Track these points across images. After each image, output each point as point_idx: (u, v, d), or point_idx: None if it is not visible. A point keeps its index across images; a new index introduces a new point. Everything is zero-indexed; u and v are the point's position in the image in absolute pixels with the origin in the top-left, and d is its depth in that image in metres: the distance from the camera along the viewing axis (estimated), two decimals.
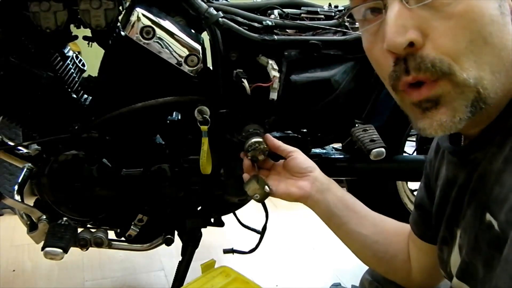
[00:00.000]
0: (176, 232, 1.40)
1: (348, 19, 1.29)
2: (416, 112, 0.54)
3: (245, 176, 1.02)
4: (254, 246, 1.37)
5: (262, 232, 1.36)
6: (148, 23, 1.15)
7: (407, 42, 0.49)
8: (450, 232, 0.65)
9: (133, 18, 1.15)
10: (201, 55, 1.19)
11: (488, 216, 0.50)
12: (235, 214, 1.45)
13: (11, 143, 1.37)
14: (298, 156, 0.96)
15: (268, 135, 1.10)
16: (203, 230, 1.39)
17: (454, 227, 0.64)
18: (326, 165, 1.41)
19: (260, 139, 1.06)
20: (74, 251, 1.30)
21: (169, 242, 1.37)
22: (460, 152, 0.59)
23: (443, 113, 0.51)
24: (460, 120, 0.51)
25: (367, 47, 0.57)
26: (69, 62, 1.35)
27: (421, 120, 0.53)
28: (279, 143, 1.01)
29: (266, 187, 0.97)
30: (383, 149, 1.27)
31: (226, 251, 1.39)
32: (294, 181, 0.95)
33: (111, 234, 1.38)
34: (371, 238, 0.89)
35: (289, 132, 1.38)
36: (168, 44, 1.17)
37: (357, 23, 0.92)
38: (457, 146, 0.60)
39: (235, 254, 1.40)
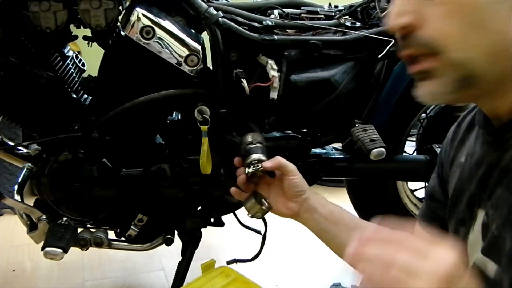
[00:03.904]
0: (176, 232, 1.40)
1: None
2: (415, 82, 0.61)
3: (234, 190, 1.01)
4: (256, 253, 1.38)
5: (262, 241, 1.36)
6: (148, 23, 1.15)
7: (398, 26, 0.58)
8: (470, 212, 0.67)
9: (133, 18, 1.15)
10: (201, 55, 1.19)
11: None
12: (235, 214, 1.45)
13: (11, 143, 1.37)
14: (295, 178, 0.96)
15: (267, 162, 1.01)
16: (203, 230, 1.39)
17: (475, 207, 0.65)
18: (326, 165, 1.42)
19: (263, 157, 1.01)
20: (74, 251, 1.30)
21: (169, 242, 1.37)
22: (496, 132, 0.62)
23: (432, 84, 0.58)
24: (450, 92, 0.57)
25: None
26: (69, 62, 1.35)
27: (417, 89, 0.60)
28: (280, 162, 0.97)
29: (265, 203, 0.97)
30: (383, 149, 1.27)
31: (229, 262, 1.39)
32: (284, 200, 0.97)
33: (111, 234, 1.38)
34: None
35: (289, 132, 1.38)
36: (168, 44, 1.17)
37: None
38: (492, 126, 0.63)
39: (237, 258, 1.40)
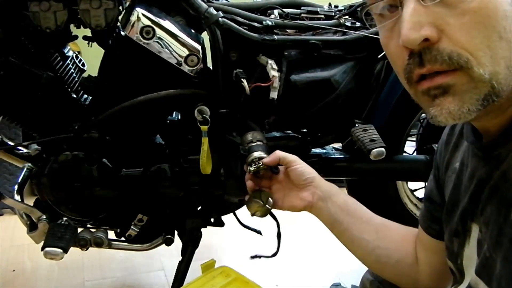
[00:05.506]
0: (176, 232, 1.40)
1: (365, 16, 1.28)
2: (427, 100, 0.56)
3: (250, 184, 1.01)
4: (275, 250, 1.43)
5: (278, 238, 1.38)
6: (148, 23, 1.15)
7: (422, 38, 0.51)
8: (463, 225, 0.66)
9: (133, 18, 1.15)
10: (201, 55, 1.19)
11: None
12: (235, 214, 1.45)
13: (11, 143, 1.37)
14: (298, 167, 0.96)
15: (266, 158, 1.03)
16: (203, 230, 1.39)
17: (468, 220, 0.64)
18: (326, 165, 1.42)
19: (264, 154, 1.02)
20: (74, 251, 1.30)
21: (169, 242, 1.37)
22: (485, 147, 0.60)
23: (451, 102, 0.53)
24: (469, 110, 0.52)
25: (384, 42, 0.60)
26: (69, 62, 1.35)
27: (432, 108, 0.55)
28: (279, 155, 0.98)
29: (270, 200, 0.96)
30: (383, 149, 1.26)
31: (253, 257, 1.42)
32: (296, 193, 0.96)
33: (111, 234, 1.38)
34: (373, 243, 0.89)
35: (289, 132, 1.38)
36: (168, 44, 1.17)
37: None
38: (480, 141, 0.61)
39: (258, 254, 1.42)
